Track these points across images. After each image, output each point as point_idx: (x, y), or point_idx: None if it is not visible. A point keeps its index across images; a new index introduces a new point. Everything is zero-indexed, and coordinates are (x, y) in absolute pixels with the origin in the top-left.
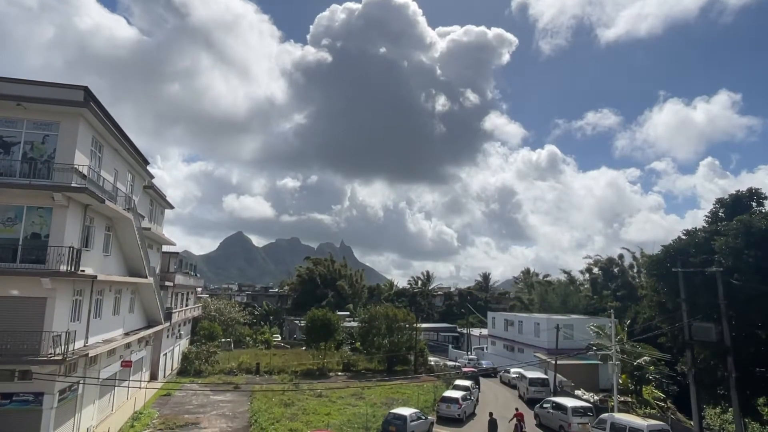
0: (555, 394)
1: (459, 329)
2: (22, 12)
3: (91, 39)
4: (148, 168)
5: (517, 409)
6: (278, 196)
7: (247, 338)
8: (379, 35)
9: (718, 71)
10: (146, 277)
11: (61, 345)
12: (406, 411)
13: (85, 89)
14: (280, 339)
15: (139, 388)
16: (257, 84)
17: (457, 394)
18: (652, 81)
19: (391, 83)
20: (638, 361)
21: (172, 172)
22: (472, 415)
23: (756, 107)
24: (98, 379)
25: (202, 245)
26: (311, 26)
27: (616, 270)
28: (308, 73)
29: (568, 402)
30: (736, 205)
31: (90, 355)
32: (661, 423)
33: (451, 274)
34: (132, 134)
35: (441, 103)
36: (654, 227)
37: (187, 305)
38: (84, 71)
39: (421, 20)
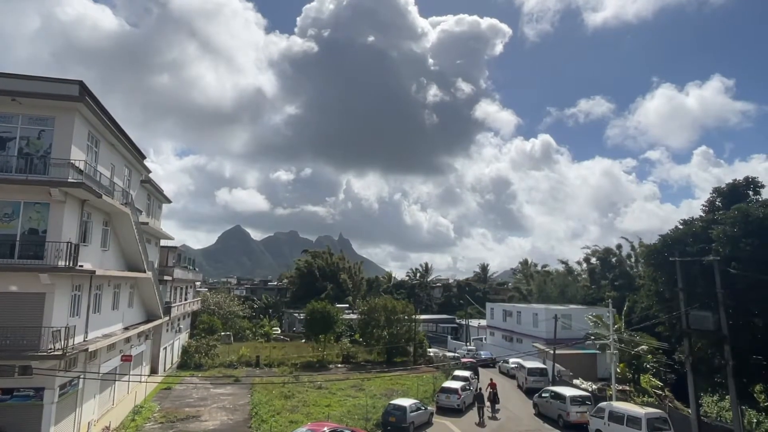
0: (553, 384)
1: (458, 320)
2: (6, 2)
3: (77, 30)
4: (145, 162)
5: (491, 380)
6: (272, 188)
7: (247, 331)
8: (370, 25)
9: (711, 55)
10: (145, 272)
11: (60, 340)
12: (405, 402)
13: (80, 83)
14: (279, 332)
15: (140, 382)
16: (245, 75)
17: (456, 384)
18: (642, 66)
19: (383, 74)
20: (636, 350)
21: (165, 166)
22: (471, 405)
23: (750, 92)
24: (98, 373)
25: (198, 239)
26: (298, 18)
27: (613, 260)
28: (296, 63)
29: (567, 391)
30: (733, 194)
31: (90, 350)
32: (659, 411)
33: (448, 265)
34: (122, 127)
35: (433, 93)
36: (650, 217)
37: (186, 299)
38: (71, 63)
39: (413, 9)
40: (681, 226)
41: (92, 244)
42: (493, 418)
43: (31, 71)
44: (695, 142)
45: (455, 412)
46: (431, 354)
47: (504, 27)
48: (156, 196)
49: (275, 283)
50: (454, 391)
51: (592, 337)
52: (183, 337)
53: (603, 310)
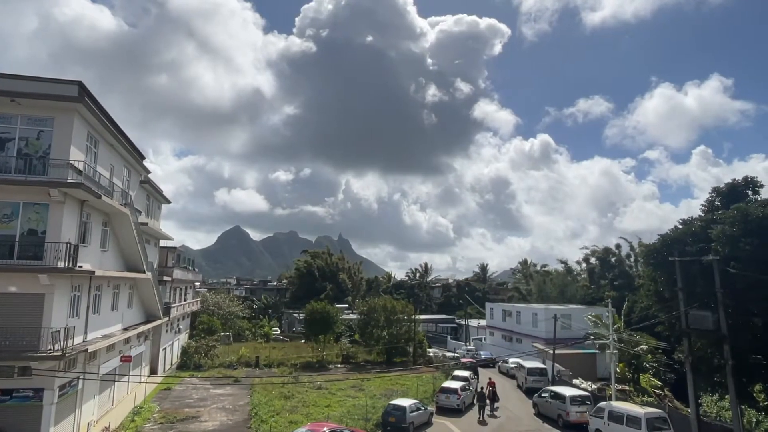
0: (553, 384)
1: (457, 320)
2: (4, 2)
3: (75, 30)
4: (144, 163)
5: (490, 379)
6: (271, 189)
7: (247, 332)
8: (368, 25)
9: (710, 54)
10: (144, 272)
11: (60, 341)
12: (405, 402)
13: (80, 84)
14: (279, 332)
15: (139, 382)
16: (244, 75)
17: (456, 384)
18: (641, 66)
19: (382, 74)
20: (636, 349)
21: (164, 167)
22: (471, 405)
23: (749, 92)
24: (98, 374)
25: (197, 239)
26: (297, 18)
27: (613, 260)
28: (295, 64)
29: (567, 391)
30: (732, 193)
31: (89, 351)
32: (659, 411)
33: (447, 265)
34: (121, 127)
35: (431, 93)
36: (649, 216)
37: (185, 300)
38: (69, 63)
39: (411, 9)
40: (680, 226)
41: (91, 244)
42: (492, 416)
43: (30, 72)
44: (694, 142)
45: (455, 412)
46: (431, 354)
47: (503, 27)
48: (155, 196)
49: (275, 283)
50: (454, 391)
51: (592, 337)
52: (182, 338)
53: (602, 310)
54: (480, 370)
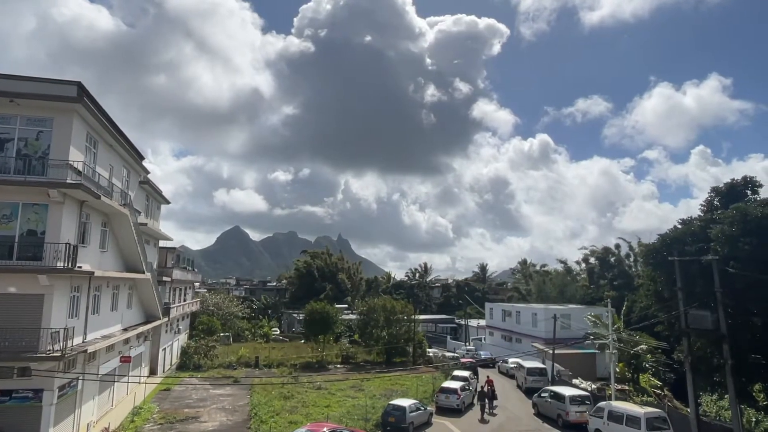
0: (553, 384)
1: (457, 320)
2: (2, 3)
3: (73, 30)
4: (143, 163)
5: (488, 377)
6: (271, 189)
7: (246, 332)
8: (367, 25)
9: (708, 54)
10: (144, 273)
11: (59, 341)
12: (405, 402)
13: (79, 84)
14: (278, 332)
15: (139, 383)
16: (242, 75)
17: (455, 384)
18: (639, 65)
19: (380, 74)
20: (635, 349)
21: (163, 167)
22: (471, 405)
23: (747, 91)
24: (97, 374)
25: (197, 240)
26: (295, 18)
27: (612, 260)
28: (293, 64)
29: (566, 391)
30: (731, 193)
31: (89, 351)
32: (658, 410)
33: (447, 265)
34: (120, 128)
35: (430, 93)
36: (648, 216)
37: (185, 300)
38: (67, 63)
39: (410, 9)
40: (680, 226)
41: (91, 245)
42: (491, 414)
43: (28, 72)
44: (693, 142)
45: (455, 412)
46: (430, 354)
47: (502, 27)
48: (154, 197)
49: (274, 283)
50: (454, 391)
51: (591, 337)
52: (182, 338)
53: (602, 310)
54: (479, 369)
